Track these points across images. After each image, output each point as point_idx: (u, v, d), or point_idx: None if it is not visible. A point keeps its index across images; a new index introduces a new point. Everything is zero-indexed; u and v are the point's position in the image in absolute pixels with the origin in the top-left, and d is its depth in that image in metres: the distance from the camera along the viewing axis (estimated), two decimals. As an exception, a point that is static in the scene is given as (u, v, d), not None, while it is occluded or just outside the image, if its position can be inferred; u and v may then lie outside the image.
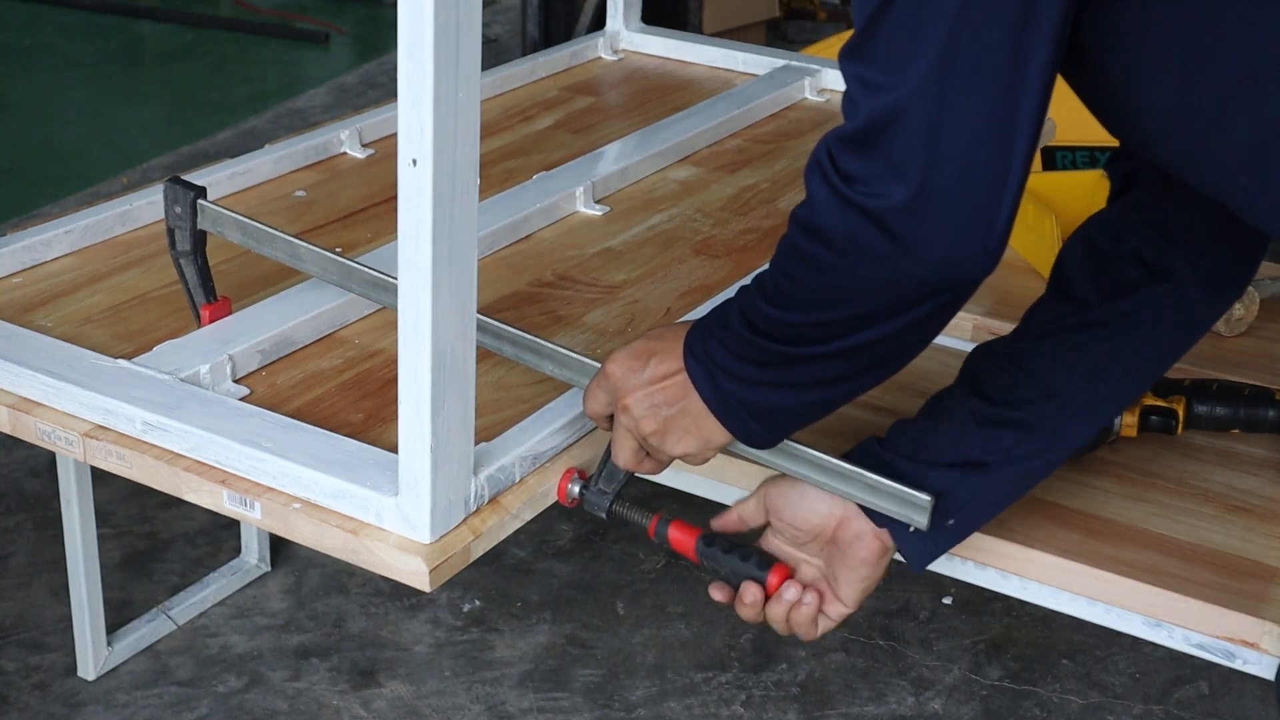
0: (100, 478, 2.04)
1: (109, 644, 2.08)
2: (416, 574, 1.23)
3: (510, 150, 2.10)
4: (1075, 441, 1.30)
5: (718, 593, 1.33)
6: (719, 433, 1.22)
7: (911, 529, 1.26)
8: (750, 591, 1.30)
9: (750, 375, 1.17)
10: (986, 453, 1.27)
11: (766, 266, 1.16)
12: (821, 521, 1.30)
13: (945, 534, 1.28)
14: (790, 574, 1.31)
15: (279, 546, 2.32)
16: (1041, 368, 1.28)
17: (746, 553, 1.31)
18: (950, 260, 1.04)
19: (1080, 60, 1.07)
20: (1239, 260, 1.30)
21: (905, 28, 0.99)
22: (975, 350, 1.33)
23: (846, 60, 1.03)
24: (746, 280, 1.19)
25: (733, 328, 1.17)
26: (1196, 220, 1.27)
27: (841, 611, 1.31)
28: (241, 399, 1.43)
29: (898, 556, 1.30)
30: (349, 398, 1.46)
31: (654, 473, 1.32)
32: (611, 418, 1.28)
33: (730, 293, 1.62)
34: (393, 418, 1.28)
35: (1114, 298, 1.28)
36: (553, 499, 1.35)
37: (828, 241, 1.06)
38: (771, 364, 1.15)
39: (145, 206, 1.80)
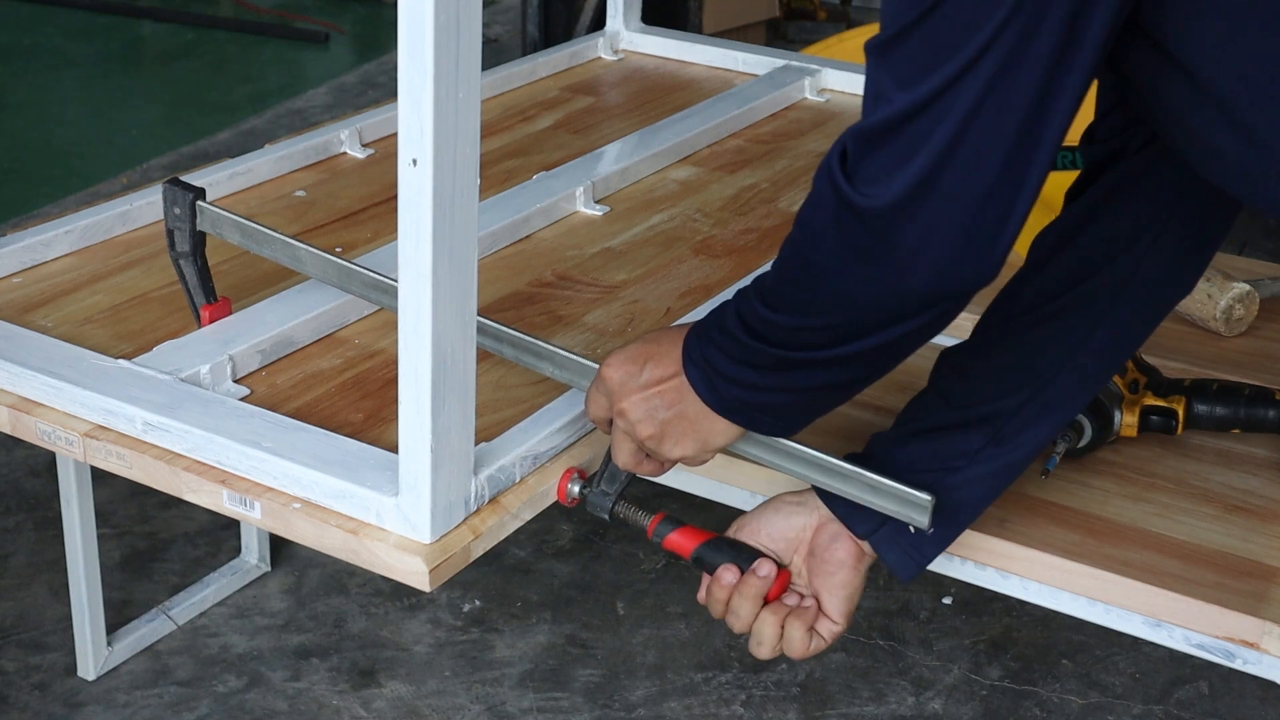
0: (100, 478, 2.04)
1: (109, 644, 2.08)
2: (416, 574, 1.23)
3: (510, 150, 2.10)
4: (1046, 436, 1.29)
5: (703, 591, 1.32)
6: (717, 434, 1.22)
7: (912, 529, 1.26)
8: (728, 573, 1.28)
9: (748, 379, 1.17)
10: (962, 458, 1.27)
11: (767, 268, 1.15)
12: (797, 534, 1.30)
13: (929, 543, 1.28)
14: (790, 580, 1.31)
15: (279, 546, 2.32)
16: (1003, 368, 1.28)
17: (746, 553, 1.31)
18: (949, 270, 1.02)
19: (1164, 67, 1.04)
20: (1201, 247, 1.29)
21: (946, 30, 0.96)
22: (941, 355, 1.32)
23: (875, 55, 1.01)
24: (745, 282, 1.19)
25: (729, 331, 1.16)
26: (1163, 209, 1.25)
27: (832, 629, 1.30)
28: (241, 399, 1.43)
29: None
30: (349, 398, 1.46)
31: (655, 474, 1.32)
32: (611, 421, 1.28)
33: (729, 294, 1.62)
34: (393, 418, 1.28)
35: (1069, 289, 1.27)
36: (553, 499, 1.35)
37: (827, 244, 1.05)
38: (768, 368, 1.15)
39: (145, 206, 1.80)
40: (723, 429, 1.22)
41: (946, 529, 1.29)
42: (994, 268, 1.03)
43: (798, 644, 1.28)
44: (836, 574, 1.28)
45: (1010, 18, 0.94)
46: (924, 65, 0.98)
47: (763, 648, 1.29)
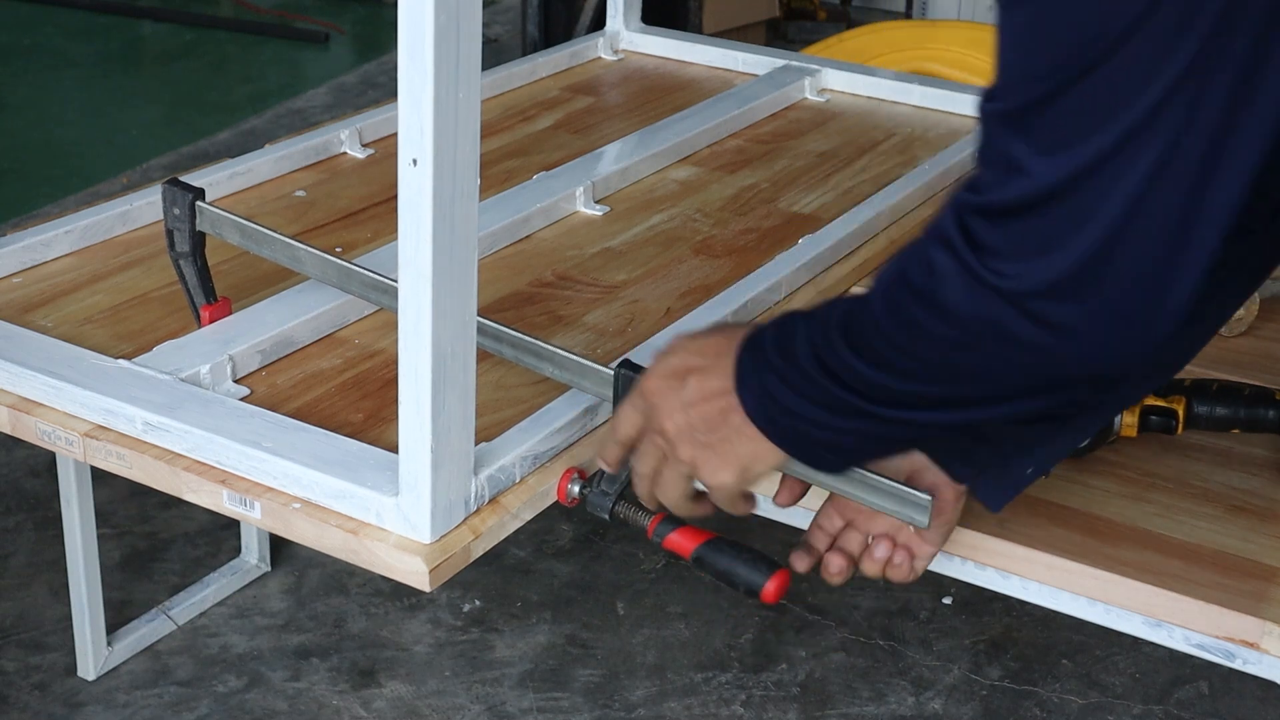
0: (100, 478, 2.04)
1: (109, 644, 2.08)
2: (416, 574, 1.23)
3: (510, 150, 2.10)
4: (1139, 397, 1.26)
5: (800, 562, 1.29)
6: (762, 460, 1.14)
7: (912, 528, 1.26)
8: (835, 561, 1.27)
9: (817, 418, 1.08)
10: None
11: (850, 304, 1.05)
12: (893, 474, 1.24)
13: (1024, 479, 1.27)
14: (789, 579, 1.30)
15: (279, 546, 2.32)
16: None
17: (747, 555, 1.30)
18: (1107, 351, 0.92)
19: None
20: None
21: (1101, 98, 0.85)
22: None
23: (1003, 123, 0.90)
24: (821, 304, 1.09)
25: (800, 365, 1.06)
26: None
27: (929, 551, 1.29)
28: (241, 399, 1.43)
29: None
30: (349, 398, 1.46)
31: (666, 491, 1.23)
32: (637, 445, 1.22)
33: (734, 291, 1.61)
34: (393, 418, 1.28)
35: None
36: (553, 499, 1.35)
37: (952, 319, 0.95)
38: (847, 414, 1.06)
39: (145, 206, 1.80)
40: (769, 455, 1.14)
41: (1039, 468, 1.27)
42: (1160, 347, 0.92)
43: (901, 580, 1.29)
44: (937, 517, 1.25)
45: (1175, 85, 0.84)
46: (1079, 129, 0.87)
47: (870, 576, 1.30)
